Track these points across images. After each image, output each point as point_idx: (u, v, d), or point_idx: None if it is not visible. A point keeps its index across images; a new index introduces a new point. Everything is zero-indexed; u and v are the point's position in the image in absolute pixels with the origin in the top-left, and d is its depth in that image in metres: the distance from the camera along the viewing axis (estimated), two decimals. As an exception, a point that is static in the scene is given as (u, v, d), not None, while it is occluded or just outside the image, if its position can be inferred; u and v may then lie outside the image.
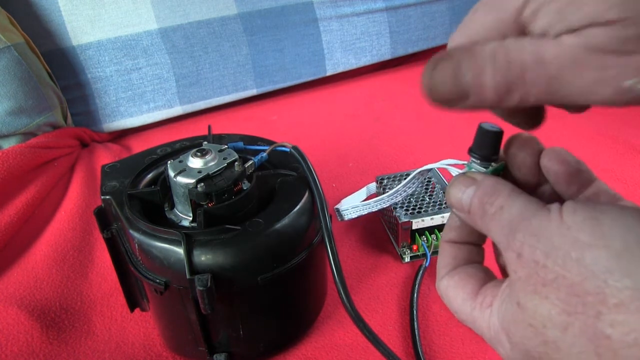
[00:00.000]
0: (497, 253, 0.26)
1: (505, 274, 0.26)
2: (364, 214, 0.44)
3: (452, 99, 0.19)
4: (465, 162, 0.25)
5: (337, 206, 0.47)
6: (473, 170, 0.24)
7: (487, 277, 0.24)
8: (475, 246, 0.26)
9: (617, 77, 0.16)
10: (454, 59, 0.19)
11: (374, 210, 0.44)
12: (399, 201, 0.46)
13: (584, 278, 0.17)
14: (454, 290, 0.24)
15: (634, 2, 0.15)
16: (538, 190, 0.24)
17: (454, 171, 0.28)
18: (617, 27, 0.15)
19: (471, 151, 0.24)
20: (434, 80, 0.19)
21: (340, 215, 0.46)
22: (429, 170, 0.41)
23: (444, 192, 0.50)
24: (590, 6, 0.16)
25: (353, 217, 0.45)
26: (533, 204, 0.20)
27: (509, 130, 0.24)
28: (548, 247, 0.18)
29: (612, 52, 0.16)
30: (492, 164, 0.24)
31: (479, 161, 0.24)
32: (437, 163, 0.30)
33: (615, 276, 0.17)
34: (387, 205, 0.44)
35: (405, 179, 0.53)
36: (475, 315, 0.23)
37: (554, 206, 0.19)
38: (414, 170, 0.53)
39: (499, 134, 0.24)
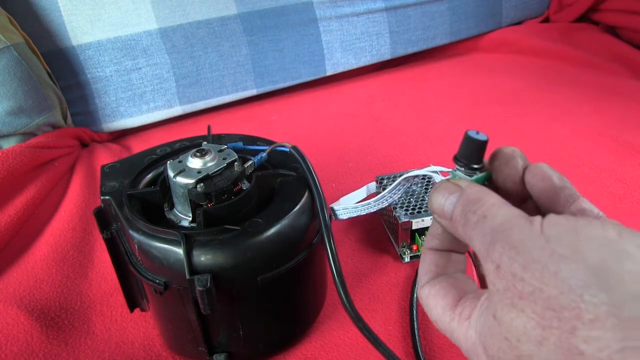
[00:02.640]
0: (477, 263, 0.26)
1: (484, 284, 0.25)
2: (354, 216, 0.44)
3: None
4: (450, 170, 0.25)
5: (333, 205, 0.47)
6: (458, 177, 0.24)
7: (468, 288, 0.24)
8: (457, 254, 0.26)
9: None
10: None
11: (362, 214, 0.44)
12: (386, 206, 0.46)
13: (560, 292, 0.17)
14: (434, 299, 0.24)
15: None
16: (522, 205, 0.24)
17: (438, 178, 0.28)
18: None
19: (456, 158, 0.24)
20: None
21: (335, 215, 0.46)
22: (414, 177, 0.41)
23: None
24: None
25: (344, 218, 0.45)
26: (516, 215, 0.20)
27: (495, 141, 0.24)
28: (527, 259, 0.18)
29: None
30: (477, 172, 0.24)
31: (463, 169, 0.24)
32: (422, 170, 0.30)
33: (591, 291, 0.16)
34: (375, 209, 0.44)
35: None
36: (453, 326, 0.22)
37: (537, 218, 0.19)
38: (401, 176, 0.53)
39: (484, 142, 0.23)
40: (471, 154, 0.24)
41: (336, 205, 0.46)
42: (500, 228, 0.20)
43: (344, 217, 0.44)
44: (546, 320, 0.17)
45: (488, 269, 0.20)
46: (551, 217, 0.19)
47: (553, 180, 0.23)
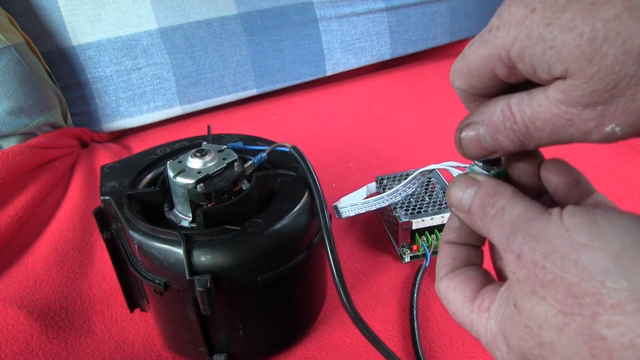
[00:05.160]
0: (495, 256, 0.26)
1: (501, 277, 0.26)
2: (362, 212, 0.44)
3: (483, 155, 0.23)
4: (468, 165, 0.25)
5: (335, 203, 0.47)
6: (475, 172, 0.24)
7: (486, 280, 0.24)
8: (474, 248, 0.26)
9: (598, 126, 0.18)
10: (474, 126, 0.22)
11: (372, 209, 0.44)
12: (399, 201, 0.46)
13: (581, 279, 0.17)
14: (453, 292, 0.24)
15: (600, 56, 0.17)
16: (539, 199, 0.25)
17: (456, 172, 0.28)
18: (587, 80, 0.17)
19: None
20: (463, 143, 0.23)
21: (339, 213, 0.46)
22: (430, 170, 0.41)
23: (444, 192, 0.50)
24: (565, 53, 0.18)
25: (351, 215, 0.45)
26: (534, 207, 0.20)
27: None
28: (547, 248, 0.18)
29: (587, 105, 0.18)
30: (495, 168, 0.24)
31: (481, 164, 0.25)
32: (439, 164, 0.30)
33: (612, 277, 0.17)
34: (387, 204, 0.44)
35: (405, 179, 0.53)
36: (473, 318, 0.23)
37: (555, 210, 0.19)
38: (415, 170, 0.53)
39: None
40: None
41: (339, 203, 0.46)
42: (520, 219, 0.20)
43: (351, 214, 0.44)
44: (567, 307, 0.18)
45: (508, 259, 0.20)
46: (570, 208, 0.19)
47: (569, 175, 0.23)
